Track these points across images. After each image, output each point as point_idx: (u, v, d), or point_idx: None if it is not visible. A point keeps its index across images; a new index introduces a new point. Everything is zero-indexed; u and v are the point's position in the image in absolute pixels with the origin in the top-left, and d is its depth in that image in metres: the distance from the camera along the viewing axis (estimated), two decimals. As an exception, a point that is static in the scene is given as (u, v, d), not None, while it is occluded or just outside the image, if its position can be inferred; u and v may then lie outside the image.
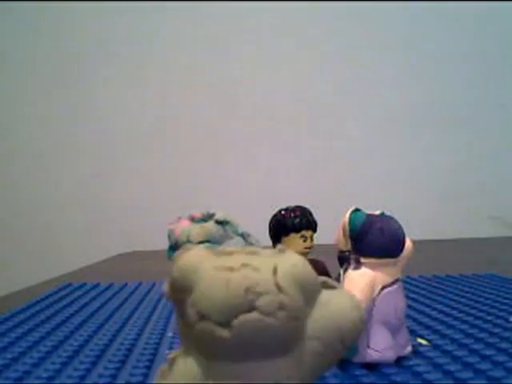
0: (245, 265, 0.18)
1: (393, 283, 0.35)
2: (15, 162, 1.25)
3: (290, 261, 0.18)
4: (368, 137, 1.21)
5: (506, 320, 0.44)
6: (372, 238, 0.34)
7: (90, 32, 1.22)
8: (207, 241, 0.34)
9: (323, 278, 0.20)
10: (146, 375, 0.35)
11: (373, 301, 0.35)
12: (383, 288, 0.35)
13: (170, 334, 0.44)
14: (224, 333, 0.17)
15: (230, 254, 0.19)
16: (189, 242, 0.34)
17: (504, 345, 0.37)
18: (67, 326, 0.48)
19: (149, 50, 1.22)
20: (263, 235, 0.37)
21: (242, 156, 1.21)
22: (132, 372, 0.35)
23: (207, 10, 1.19)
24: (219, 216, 0.35)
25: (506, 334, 0.40)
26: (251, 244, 0.35)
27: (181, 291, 0.18)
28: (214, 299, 0.17)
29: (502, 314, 0.46)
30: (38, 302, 0.59)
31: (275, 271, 0.18)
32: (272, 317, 0.17)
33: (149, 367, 0.36)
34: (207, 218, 0.35)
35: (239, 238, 0.35)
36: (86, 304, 0.58)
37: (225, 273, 0.18)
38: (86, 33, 1.22)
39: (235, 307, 0.17)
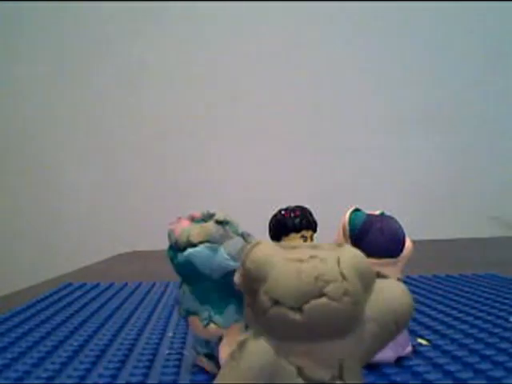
0: (313, 257, 0.20)
1: (393, 283, 0.35)
2: (15, 161, 1.25)
3: (350, 253, 0.21)
4: (368, 136, 1.21)
5: (506, 320, 0.44)
6: (372, 238, 0.34)
7: (90, 32, 1.22)
8: (207, 241, 0.34)
9: (376, 269, 0.22)
10: (145, 375, 0.35)
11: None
12: (383, 288, 0.35)
13: (169, 334, 0.44)
14: (296, 316, 0.20)
15: (295, 247, 0.21)
16: (189, 241, 0.34)
17: (504, 345, 0.37)
18: (67, 326, 0.48)
19: (148, 51, 1.22)
20: (263, 235, 0.37)
21: (241, 156, 1.21)
22: (132, 372, 0.35)
23: (209, 10, 1.19)
24: (219, 216, 0.35)
25: (506, 334, 0.40)
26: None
27: (254, 281, 0.20)
28: (288, 287, 0.20)
29: (502, 314, 0.46)
30: (38, 301, 0.59)
31: (339, 262, 0.20)
32: (338, 302, 0.20)
33: (149, 367, 0.36)
34: (207, 217, 0.35)
35: (239, 238, 0.35)
36: (86, 304, 0.58)
37: (296, 263, 0.20)
38: (85, 33, 1.22)
39: (306, 293, 0.20)
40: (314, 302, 0.20)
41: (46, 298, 0.62)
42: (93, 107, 1.24)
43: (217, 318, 0.34)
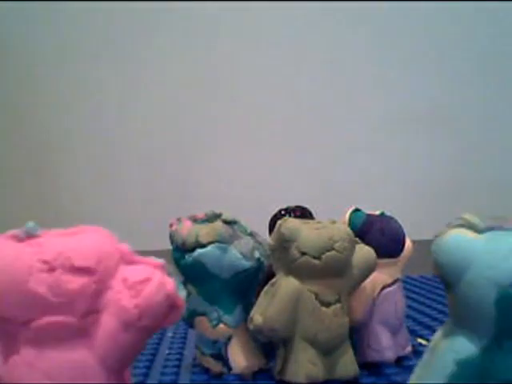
0: (325, 226, 0.32)
1: (393, 283, 0.36)
2: (15, 161, 1.25)
3: (343, 225, 0.34)
4: (368, 137, 1.21)
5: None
6: (372, 238, 0.34)
7: (92, 31, 1.22)
8: (217, 241, 0.34)
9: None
10: (146, 375, 0.35)
11: (373, 301, 0.35)
12: (383, 288, 0.35)
13: (169, 334, 0.44)
14: (316, 262, 0.31)
15: (308, 223, 0.33)
16: (198, 242, 0.33)
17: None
18: (67, 326, 0.48)
19: (148, 50, 1.22)
20: (263, 235, 0.37)
21: (241, 156, 1.21)
22: (132, 372, 0.35)
23: (209, 10, 1.19)
24: (227, 216, 0.35)
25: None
26: (260, 243, 0.35)
27: (287, 241, 0.32)
28: (312, 243, 0.31)
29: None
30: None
31: (339, 230, 0.32)
32: (341, 253, 0.31)
33: (149, 367, 0.36)
34: (212, 218, 0.35)
35: (249, 238, 0.35)
36: (86, 304, 0.58)
37: (316, 230, 0.32)
38: (87, 32, 1.22)
39: (323, 248, 0.31)
40: (328, 253, 0.31)
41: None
42: (92, 107, 1.24)
43: (226, 317, 0.34)
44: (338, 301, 0.32)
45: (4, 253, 0.21)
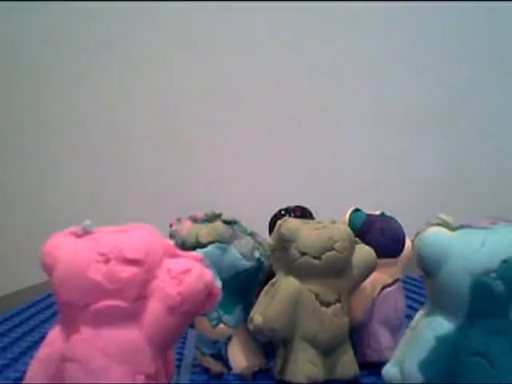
0: (325, 226, 0.32)
1: (393, 283, 0.36)
2: (14, 160, 1.25)
3: (343, 225, 0.34)
4: (368, 137, 1.21)
5: None
6: (372, 238, 0.34)
7: (92, 31, 1.22)
8: (217, 241, 0.34)
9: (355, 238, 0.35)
10: (145, 375, 0.35)
11: (373, 301, 0.35)
12: (383, 288, 0.35)
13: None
14: (317, 262, 0.31)
15: (308, 223, 0.33)
16: (198, 242, 0.33)
17: (504, 345, 0.37)
18: (67, 326, 0.48)
19: (148, 50, 1.22)
20: (263, 235, 0.37)
21: (241, 156, 1.21)
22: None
23: (208, 10, 1.19)
24: (227, 216, 0.35)
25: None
26: (259, 243, 0.35)
27: (287, 241, 0.32)
28: (312, 243, 0.31)
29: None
30: (39, 301, 0.59)
31: (339, 230, 0.32)
32: (341, 253, 0.32)
33: (149, 367, 0.36)
34: (212, 218, 0.35)
35: (249, 238, 0.35)
36: (86, 304, 0.58)
37: (316, 230, 0.32)
38: (87, 32, 1.22)
39: (323, 248, 0.31)
40: (328, 253, 0.31)
41: (47, 297, 0.62)
42: (91, 106, 1.24)
43: (226, 317, 0.34)
44: (338, 301, 0.32)
45: (66, 247, 0.26)
